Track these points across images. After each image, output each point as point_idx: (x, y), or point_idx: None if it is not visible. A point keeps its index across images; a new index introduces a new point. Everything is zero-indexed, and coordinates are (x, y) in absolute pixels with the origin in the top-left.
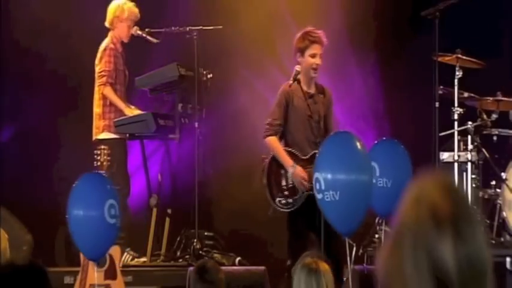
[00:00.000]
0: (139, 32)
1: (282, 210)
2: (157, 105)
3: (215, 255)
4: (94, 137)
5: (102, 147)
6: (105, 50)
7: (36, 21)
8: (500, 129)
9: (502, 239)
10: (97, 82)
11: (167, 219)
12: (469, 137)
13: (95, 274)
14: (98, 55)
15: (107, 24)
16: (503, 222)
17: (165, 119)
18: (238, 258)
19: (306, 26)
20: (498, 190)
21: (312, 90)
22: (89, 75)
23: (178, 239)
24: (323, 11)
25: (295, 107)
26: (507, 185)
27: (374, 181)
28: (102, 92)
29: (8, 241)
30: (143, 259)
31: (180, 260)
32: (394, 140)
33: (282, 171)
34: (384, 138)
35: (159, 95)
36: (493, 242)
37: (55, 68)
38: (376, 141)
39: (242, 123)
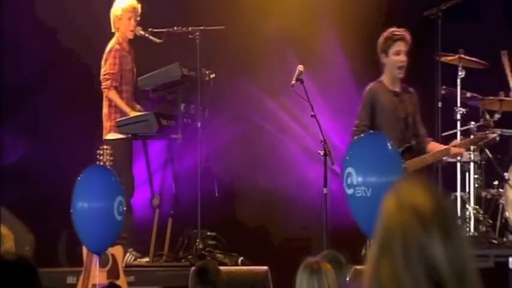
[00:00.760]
0: (142, 32)
1: None
2: (160, 105)
3: (218, 255)
4: (103, 138)
5: (105, 147)
6: (110, 51)
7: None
8: (503, 129)
9: (505, 239)
10: (102, 84)
11: (170, 220)
12: (472, 136)
13: (97, 272)
14: (104, 56)
15: (112, 29)
16: (505, 222)
17: (167, 119)
18: (240, 258)
19: (309, 22)
20: (501, 190)
21: (397, 89)
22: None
23: (180, 239)
24: (327, 7)
25: (382, 106)
26: (510, 185)
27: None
28: (107, 95)
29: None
30: (146, 259)
31: (183, 260)
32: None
33: None
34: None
35: (161, 95)
36: (496, 242)
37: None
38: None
39: (245, 123)
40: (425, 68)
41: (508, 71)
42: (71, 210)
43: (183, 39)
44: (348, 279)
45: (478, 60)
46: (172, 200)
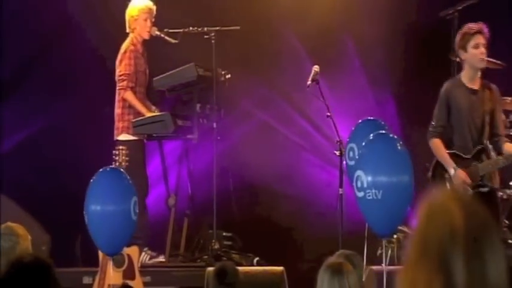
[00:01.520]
0: (158, 33)
1: None
2: (175, 106)
3: (233, 255)
4: (115, 138)
5: (121, 147)
6: (125, 52)
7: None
8: None
9: None
10: (117, 85)
11: (185, 219)
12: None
13: (111, 272)
14: (118, 57)
15: (127, 29)
16: None
17: (183, 120)
18: (256, 259)
19: (322, 23)
20: None
21: (476, 86)
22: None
23: (196, 239)
24: (343, 10)
25: (457, 104)
26: None
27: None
28: (123, 96)
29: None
30: (160, 259)
31: (199, 261)
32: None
33: (447, 176)
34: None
35: (177, 96)
36: None
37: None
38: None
39: (261, 124)
40: (441, 68)
41: None
42: (84, 212)
43: (199, 39)
44: (363, 279)
45: (494, 60)
46: (188, 199)
